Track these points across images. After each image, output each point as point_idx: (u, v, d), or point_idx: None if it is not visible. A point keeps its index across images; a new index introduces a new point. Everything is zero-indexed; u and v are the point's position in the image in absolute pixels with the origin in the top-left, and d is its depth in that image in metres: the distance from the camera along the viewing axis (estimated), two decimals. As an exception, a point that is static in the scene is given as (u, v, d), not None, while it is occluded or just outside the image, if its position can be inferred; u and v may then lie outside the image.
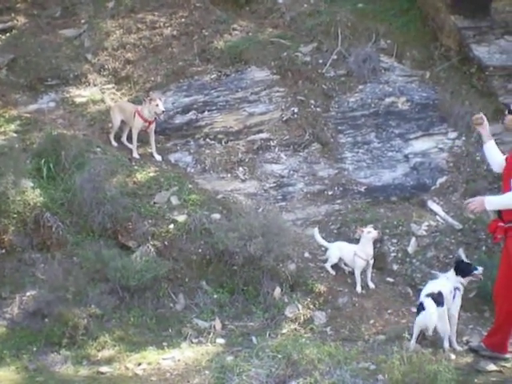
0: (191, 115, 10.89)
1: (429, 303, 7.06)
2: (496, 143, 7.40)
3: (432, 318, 7.00)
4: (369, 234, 8.57)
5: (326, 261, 8.89)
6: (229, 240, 8.46)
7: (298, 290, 8.54)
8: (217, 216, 9.13)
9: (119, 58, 12.01)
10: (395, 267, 9.03)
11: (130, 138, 10.45)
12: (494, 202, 6.78)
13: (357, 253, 8.55)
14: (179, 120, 10.87)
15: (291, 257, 8.77)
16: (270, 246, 8.41)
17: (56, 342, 7.54)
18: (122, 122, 10.40)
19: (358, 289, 8.55)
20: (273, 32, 12.21)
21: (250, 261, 8.46)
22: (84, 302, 7.94)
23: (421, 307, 7.14)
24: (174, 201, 9.27)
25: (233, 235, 8.50)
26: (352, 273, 8.70)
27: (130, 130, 10.32)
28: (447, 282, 7.41)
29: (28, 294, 8.15)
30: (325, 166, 10.38)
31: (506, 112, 7.25)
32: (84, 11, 13.37)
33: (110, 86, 11.63)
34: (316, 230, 9.02)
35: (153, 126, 10.20)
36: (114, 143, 10.40)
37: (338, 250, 8.80)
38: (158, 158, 10.26)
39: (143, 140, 10.47)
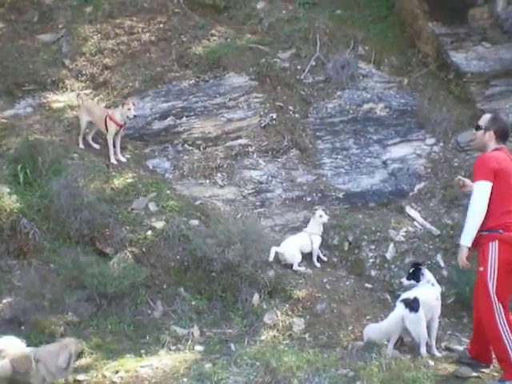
0: (169, 121, 10.85)
1: (398, 308, 7.20)
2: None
3: (398, 322, 7.13)
4: (321, 217, 8.99)
5: (291, 266, 8.93)
6: (207, 246, 8.43)
7: (276, 297, 8.51)
8: (195, 222, 9.11)
9: (97, 64, 11.97)
10: (373, 273, 9.05)
11: (96, 139, 10.48)
12: (466, 236, 6.71)
13: (313, 232, 9.00)
14: (157, 126, 10.83)
15: (269, 263, 8.73)
16: (248, 252, 8.39)
17: (33, 350, 7.45)
18: (90, 123, 10.34)
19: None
20: (251, 38, 12.21)
21: (229, 267, 8.44)
22: (61, 310, 7.87)
23: None
24: (152, 207, 9.22)
25: (211, 241, 8.48)
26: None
27: (102, 133, 10.30)
28: (432, 289, 7.45)
29: (4, 301, 8.01)
30: (303, 172, 10.38)
31: (474, 130, 7.05)
32: (61, 16, 13.31)
33: (87, 91, 11.56)
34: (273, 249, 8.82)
35: (122, 130, 10.17)
36: (82, 145, 10.31)
37: (293, 248, 8.94)
38: (123, 159, 10.19)
39: (121, 145, 10.41)
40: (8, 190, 8.73)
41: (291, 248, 8.90)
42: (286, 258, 8.88)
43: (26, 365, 6.26)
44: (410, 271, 7.62)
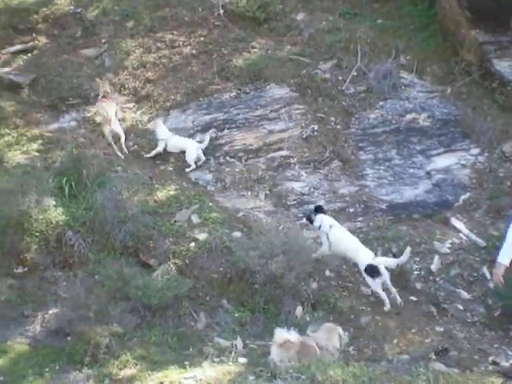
0: (211, 133, 10.87)
1: None
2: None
3: None
4: None
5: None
6: (250, 258, 8.40)
7: (319, 309, 8.45)
8: (237, 234, 9.09)
9: (139, 77, 12.13)
10: (418, 286, 8.91)
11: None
12: (504, 254, 6.58)
13: None
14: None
15: (312, 275, 8.71)
16: (291, 264, 8.34)
17: (78, 361, 7.43)
18: None
19: None
20: (292, 49, 12.26)
21: (271, 279, 8.38)
22: (106, 321, 7.86)
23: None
24: (195, 219, 9.24)
25: (254, 253, 8.44)
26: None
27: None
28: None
29: (50, 312, 8.08)
30: (346, 184, 10.33)
31: None
32: (104, 31, 13.53)
33: (130, 104, 11.71)
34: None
35: None
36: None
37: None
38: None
39: (164, 158, 10.53)
40: (54, 203, 8.82)
41: None
42: None
43: (310, 352, 6.67)
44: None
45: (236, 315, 8.42)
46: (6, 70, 12.89)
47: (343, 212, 9.97)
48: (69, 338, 7.74)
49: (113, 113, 10.73)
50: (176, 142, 10.59)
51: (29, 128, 11.02)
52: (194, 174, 10.45)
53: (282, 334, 6.88)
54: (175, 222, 9.20)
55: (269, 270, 8.30)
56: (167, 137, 10.61)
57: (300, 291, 8.50)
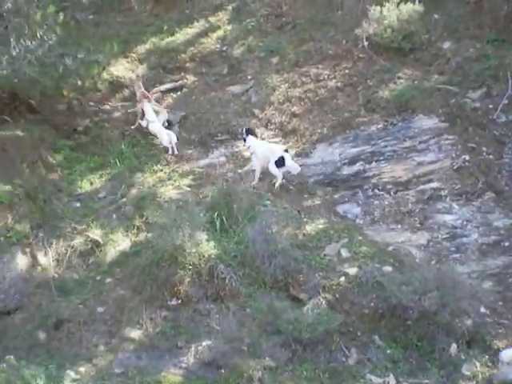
0: (359, 166, 10.86)
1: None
2: None
3: None
4: None
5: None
6: (402, 294, 8.23)
7: (475, 347, 8.15)
8: (388, 268, 8.93)
9: (285, 112, 12.29)
10: None
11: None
12: None
13: None
14: (347, 171, 10.88)
15: (467, 311, 8.37)
16: (445, 300, 8.09)
17: (232, 393, 7.62)
18: None
19: None
20: (439, 79, 12.03)
21: (425, 315, 8.17)
22: (258, 354, 7.98)
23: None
24: (344, 253, 9.19)
25: (406, 289, 8.26)
26: None
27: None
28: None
29: (203, 343, 8.25)
30: (500, 216, 9.92)
31: None
32: (250, 67, 13.88)
33: (277, 139, 11.86)
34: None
35: None
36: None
37: None
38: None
39: (311, 192, 10.64)
40: (206, 237, 9.02)
41: None
42: None
43: None
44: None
45: (388, 351, 8.27)
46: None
47: (498, 246, 9.59)
48: (222, 371, 7.89)
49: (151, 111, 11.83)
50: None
51: (180, 164, 11.46)
52: (343, 206, 10.41)
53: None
54: (325, 255, 9.19)
55: (422, 306, 8.11)
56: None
57: (454, 328, 8.23)
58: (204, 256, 8.86)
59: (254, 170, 10.99)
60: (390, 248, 9.55)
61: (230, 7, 15.99)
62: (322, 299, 8.58)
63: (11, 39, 10.21)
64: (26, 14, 10.30)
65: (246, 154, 11.56)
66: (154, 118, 12.12)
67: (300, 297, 8.73)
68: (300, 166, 10.91)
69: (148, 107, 12.19)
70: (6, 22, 10.23)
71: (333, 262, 9.07)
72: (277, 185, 10.64)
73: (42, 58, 10.74)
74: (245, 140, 11.09)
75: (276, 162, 10.60)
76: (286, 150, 10.80)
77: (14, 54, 10.30)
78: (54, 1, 10.89)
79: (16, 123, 11.70)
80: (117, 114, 13.19)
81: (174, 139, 11.81)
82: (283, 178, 10.77)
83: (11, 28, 10.26)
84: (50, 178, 11.06)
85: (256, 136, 11.13)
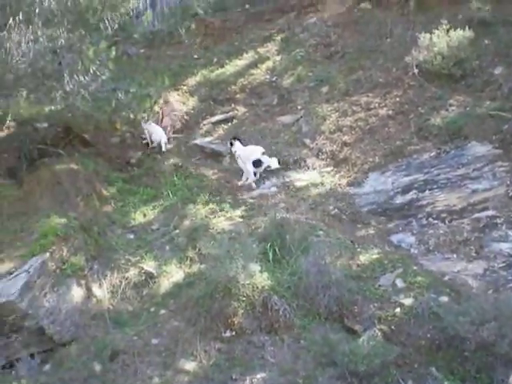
0: (412, 195, 10.74)
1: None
2: None
3: None
4: None
5: None
6: (459, 324, 8.03)
7: (535, 379, 7.90)
8: (444, 299, 8.75)
9: (336, 141, 12.29)
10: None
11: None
12: None
13: None
14: (400, 200, 10.77)
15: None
16: (503, 330, 7.87)
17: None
18: None
19: None
20: (491, 105, 11.85)
21: (483, 346, 7.94)
22: (313, 387, 7.91)
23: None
24: (400, 283, 9.05)
25: (463, 319, 8.07)
26: None
27: None
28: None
29: (258, 376, 8.18)
30: (560, 245, 9.67)
31: None
32: (300, 97, 13.95)
33: (328, 168, 11.85)
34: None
35: None
36: None
37: None
38: None
39: (364, 221, 10.56)
40: (259, 268, 9.01)
41: None
42: None
43: None
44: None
45: (445, 383, 8.07)
46: (208, 139, 13.61)
47: (558, 275, 9.34)
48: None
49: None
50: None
51: (232, 195, 11.49)
52: (397, 236, 10.30)
53: None
54: (379, 286, 9.06)
55: (480, 337, 7.89)
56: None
57: (513, 359, 8.00)
58: (257, 287, 8.84)
59: (242, 172, 12.15)
60: (446, 278, 9.36)
61: (278, 38, 16.14)
62: (377, 330, 8.43)
63: (65, 75, 10.39)
64: (79, 49, 10.50)
65: (298, 183, 11.60)
66: None
67: (355, 328, 8.60)
68: (352, 195, 10.90)
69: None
70: (59, 57, 10.44)
71: (388, 292, 8.94)
72: (248, 181, 12.02)
73: (95, 92, 10.92)
74: (232, 144, 12.34)
75: (254, 162, 11.85)
76: (264, 153, 11.98)
77: (68, 89, 10.48)
78: (106, 36, 11.06)
79: (70, 157, 11.93)
80: (169, 146, 13.36)
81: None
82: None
83: (65, 64, 10.46)
84: (104, 211, 11.20)
85: (242, 143, 12.34)
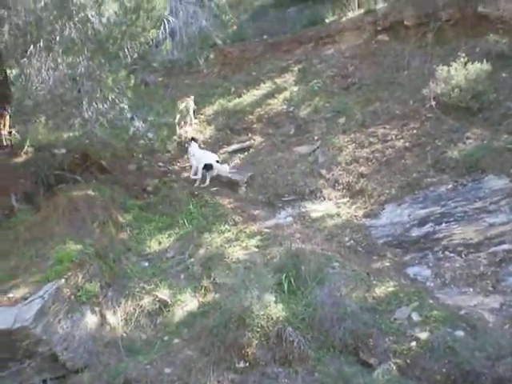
0: (428, 227, 10.69)
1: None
2: None
3: None
4: None
5: None
6: (475, 359, 7.97)
7: (550, 413, 7.78)
8: (460, 333, 8.63)
9: (353, 172, 12.30)
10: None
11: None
12: None
13: None
14: (416, 233, 10.72)
15: (545, 379, 8.03)
16: (520, 366, 7.79)
17: None
18: None
19: None
20: (509, 138, 11.82)
21: (499, 382, 7.83)
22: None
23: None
24: (415, 317, 8.95)
25: (479, 354, 8.01)
26: None
27: None
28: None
29: (270, 407, 8.11)
30: None
31: None
32: (316, 128, 14.00)
33: (344, 199, 11.85)
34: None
35: None
36: None
37: None
38: None
39: (379, 253, 10.50)
40: (274, 299, 8.95)
41: None
42: None
43: None
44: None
45: (460, 418, 7.99)
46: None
47: None
48: None
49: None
50: None
51: (247, 224, 11.47)
52: (413, 269, 10.21)
53: None
54: (395, 319, 8.96)
55: (496, 372, 7.82)
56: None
57: (530, 395, 7.89)
58: (272, 318, 8.76)
59: (194, 168, 13.17)
60: (462, 312, 9.25)
61: (296, 68, 16.27)
62: (392, 364, 8.32)
63: (84, 102, 10.52)
64: (99, 77, 10.61)
65: (314, 214, 11.60)
66: None
67: (370, 361, 8.51)
68: (368, 226, 10.88)
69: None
70: (79, 85, 10.55)
71: (403, 326, 8.83)
72: (194, 177, 13.17)
73: (113, 120, 11.02)
74: (189, 144, 13.49)
75: (205, 165, 12.98)
76: (218, 161, 13.09)
77: (86, 116, 10.60)
78: (125, 65, 11.18)
79: (87, 183, 11.99)
80: (185, 175, 13.43)
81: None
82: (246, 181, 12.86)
83: (84, 91, 10.57)
84: (119, 238, 11.21)
85: (198, 144, 13.67)
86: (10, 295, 8.80)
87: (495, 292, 9.60)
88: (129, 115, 11.48)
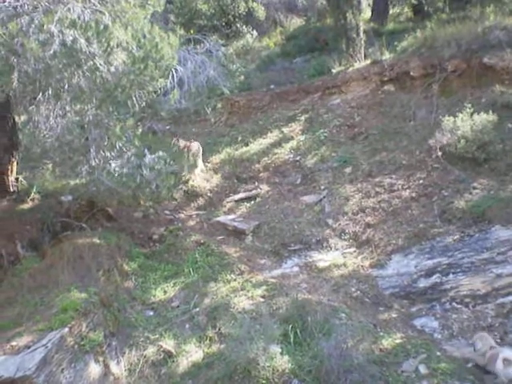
0: (435, 278, 10.61)
1: None
2: None
3: None
4: None
5: None
6: (482, 414, 7.86)
7: None
8: (469, 386, 8.55)
9: (359, 222, 12.28)
10: None
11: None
12: None
13: None
14: (423, 284, 10.63)
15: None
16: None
17: None
18: None
19: None
20: (516, 189, 11.82)
21: None
22: None
23: None
24: (423, 369, 8.80)
25: (487, 407, 7.90)
26: None
27: None
28: None
29: None
30: None
31: None
32: (323, 178, 14.03)
33: (351, 249, 11.80)
34: None
35: None
36: None
37: None
38: None
39: (387, 304, 10.37)
40: (280, 350, 8.85)
41: None
42: None
43: None
44: None
45: None
46: (231, 217, 13.64)
47: None
48: None
49: None
50: None
51: (253, 274, 11.39)
52: (420, 320, 10.09)
53: None
54: (402, 372, 8.80)
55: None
56: None
57: None
58: (278, 370, 8.64)
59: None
60: (470, 365, 9.13)
61: (302, 118, 16.41)
62: (401, 417, 8.24)
63: (91, 150, 10.58)
64: (107, 125, 10.67)
65: (320, 264, 11.53)
66: None
67: (379, 415, 8.41)
68: (375, 277, 10.81)
69: None
70: (86, 133, 10.62)
71: (411, 378, 8.68)
72: None
73: (120, 168, 11.06)
74: None
75: None
76: None
77: (94, 163, 10.65)
78: (133, 113, 11.27)
79: (93, 231, 11.99)
80: (191, 223, 13.41)
81: None
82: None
83: (92, 139, 10.63)
84: (124, 286, 11.14)
85: None
86: (13, 343, 8.71)
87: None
88: (136, 163, 11.52)
